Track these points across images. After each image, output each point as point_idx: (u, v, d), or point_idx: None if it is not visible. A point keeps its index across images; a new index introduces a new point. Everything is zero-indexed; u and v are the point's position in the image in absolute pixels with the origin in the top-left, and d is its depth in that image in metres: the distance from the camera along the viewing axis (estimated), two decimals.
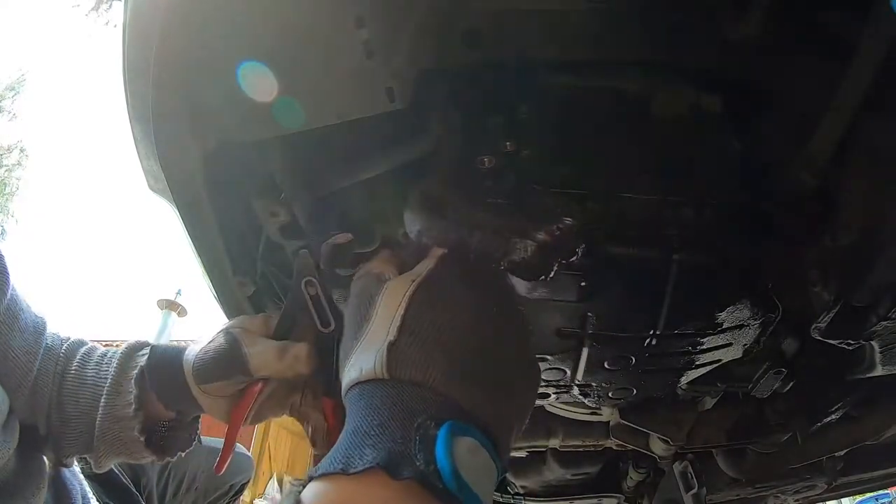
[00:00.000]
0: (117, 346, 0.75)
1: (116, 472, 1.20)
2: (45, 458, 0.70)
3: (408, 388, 0.34)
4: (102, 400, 0.65)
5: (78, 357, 0.70)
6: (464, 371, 0.35)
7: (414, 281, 0.39)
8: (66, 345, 0.72)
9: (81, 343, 0.73)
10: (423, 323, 0.37)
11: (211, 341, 0.63)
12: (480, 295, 0.40)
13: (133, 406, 0.64)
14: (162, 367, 0.65)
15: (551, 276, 0.50)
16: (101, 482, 1.17)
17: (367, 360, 0.36)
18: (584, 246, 0.51)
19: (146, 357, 0.67)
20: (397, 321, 0.37)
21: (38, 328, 0.69)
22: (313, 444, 0.63)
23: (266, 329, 0.64)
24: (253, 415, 0.64)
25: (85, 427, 0.66)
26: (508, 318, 0.41)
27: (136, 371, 0.66)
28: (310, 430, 0.63)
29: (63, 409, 0.67)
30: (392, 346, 0.36)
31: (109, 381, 0.67)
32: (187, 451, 0.72)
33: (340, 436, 0.34)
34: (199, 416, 0.71)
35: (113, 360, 0.69)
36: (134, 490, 1.24)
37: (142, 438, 0.65)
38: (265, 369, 0.61)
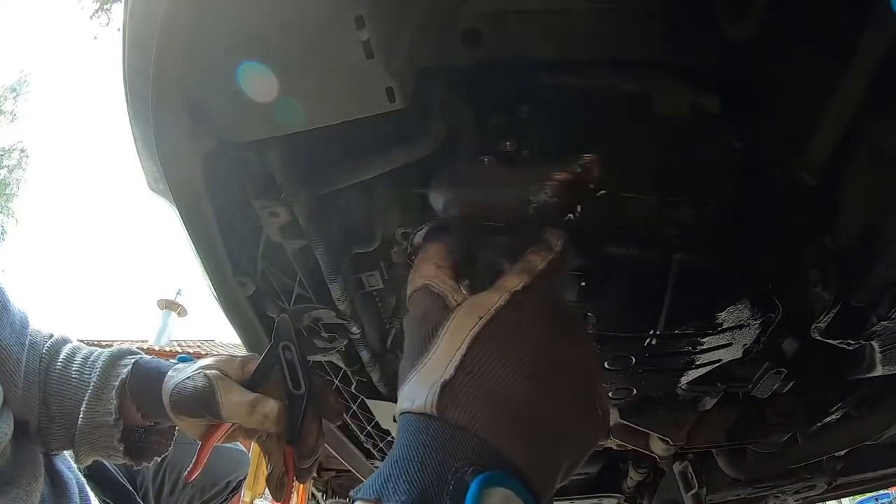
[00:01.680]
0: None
1: (112, 470, 1.20)
2: (38, 449, 0.72)
3: (453, 431, 0.35)
4: (84, 404, 0.68)
5: (62, 355, 0.73)
6: (513, 423, 0.35)
7: (481, 318, 0.39)
8: (49, 342, 0.74)
9: (65, 340, 0.75)
10: (481, 366, 0.37)
11: (190, 377, 0.65)
12: (548, 344, 0.39)
13: (114, 416, 0.68)
14: (143, 385, 0.68)
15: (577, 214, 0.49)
16: (98, 480, 1.16)
17: (420, 393, 0.37)
18: (603, 180, 0.50)
19: (129, 369, 0.69)
20: (456, 360, 0.37)
21: (23, 322, 0.70)
22: (268, 482, 0.66)
23: (242, 374, 0.67)
24: (223, 440, 0.67)
25: (68, 425, 0.69)
26: (576, 368, 0.40)
27: (117, 382, 0.69)
28: (271, 466, 0.67)
29: (48, 406, 0.69)
30: (446, 386, 0.36)
31: (92, 386, 0.69)
32: (163, 455, 0.75)
33: (385, 459, 0.35)
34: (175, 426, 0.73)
35: (96, 364, 0.71)
36: (130, 488, 1.24)
37: (121, 448, 0.69)
38: (235, 418, 0.63)
